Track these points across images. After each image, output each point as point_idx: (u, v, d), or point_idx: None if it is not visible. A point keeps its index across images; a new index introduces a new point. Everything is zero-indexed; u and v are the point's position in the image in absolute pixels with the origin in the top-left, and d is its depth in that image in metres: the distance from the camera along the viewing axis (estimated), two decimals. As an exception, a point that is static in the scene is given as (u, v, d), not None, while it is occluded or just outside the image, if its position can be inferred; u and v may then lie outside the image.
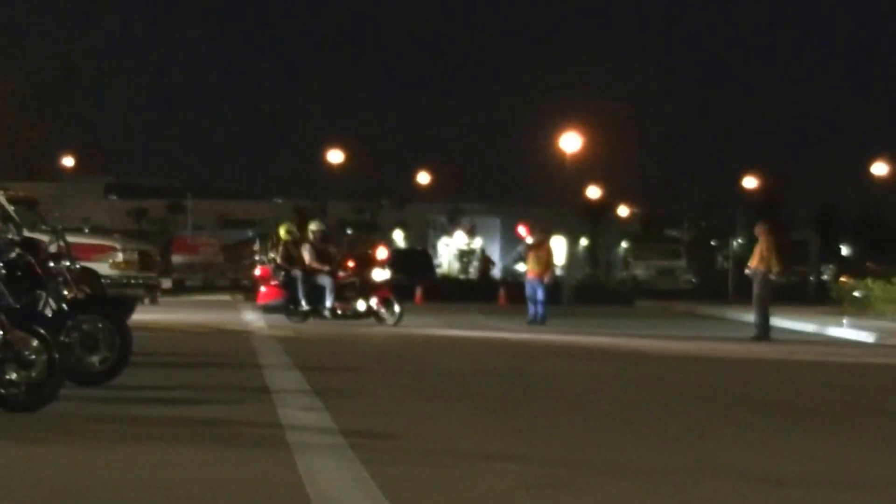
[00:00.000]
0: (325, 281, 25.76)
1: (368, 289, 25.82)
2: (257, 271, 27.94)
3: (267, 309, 26.47)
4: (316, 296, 25.76)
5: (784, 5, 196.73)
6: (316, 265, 25.91)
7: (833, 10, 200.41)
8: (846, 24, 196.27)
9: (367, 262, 26.59)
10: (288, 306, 25.96)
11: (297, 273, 25.86)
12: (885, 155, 74.19)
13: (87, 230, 28.39)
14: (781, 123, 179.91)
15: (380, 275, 26.01)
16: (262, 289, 26.74)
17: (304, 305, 25.78)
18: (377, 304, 25.76)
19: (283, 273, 26.09)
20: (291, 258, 26.13)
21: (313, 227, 26.85)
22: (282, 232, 26.97)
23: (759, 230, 26.22)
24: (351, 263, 26.35)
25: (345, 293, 25.83)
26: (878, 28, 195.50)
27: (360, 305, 25.67)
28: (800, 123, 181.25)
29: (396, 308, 25.68)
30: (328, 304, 25.71)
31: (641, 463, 9.43)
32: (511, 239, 70.94)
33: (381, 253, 27.98)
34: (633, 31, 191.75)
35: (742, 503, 8.15)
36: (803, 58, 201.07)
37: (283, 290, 26.07)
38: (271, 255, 27.34)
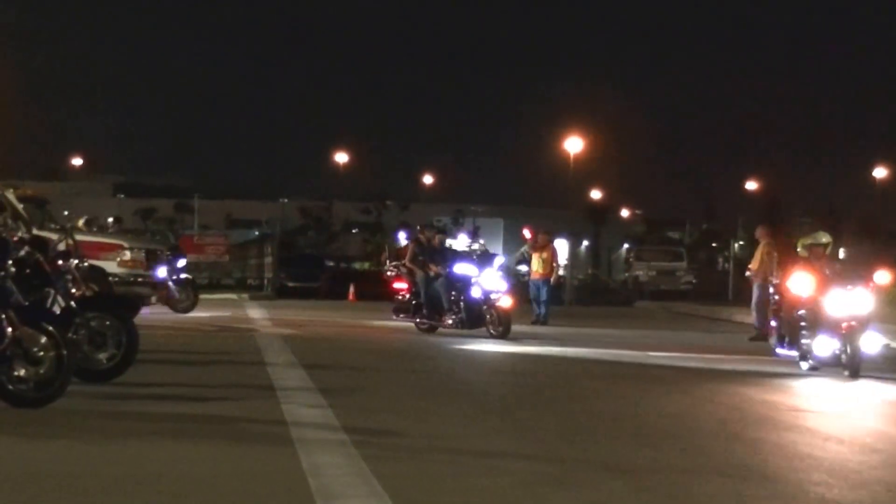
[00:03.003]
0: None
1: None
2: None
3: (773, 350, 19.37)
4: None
5: (786, 8, 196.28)
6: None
7: (834, 13, 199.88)
8: (846, 26, 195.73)
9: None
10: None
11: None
12: (886, 160, 74.15)
13: (95, 228, 28.32)
14: (784, 127, 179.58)
15: (851, 303, 17.27)
16: (772, 323, 19.74)
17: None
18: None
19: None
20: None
21: (823, 239, 18.51)
22: (799, 247, 18.58)
23: (761, 233, 26.23)
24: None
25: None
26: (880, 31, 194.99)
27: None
28: (801, 127, 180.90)
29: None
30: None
31: (638, 461, 9.53)
32: (514, 240, 70.95)
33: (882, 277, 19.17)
34: (636, 34, 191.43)
35: (739, 501, 8.23)
36: (804, 59, 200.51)
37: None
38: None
